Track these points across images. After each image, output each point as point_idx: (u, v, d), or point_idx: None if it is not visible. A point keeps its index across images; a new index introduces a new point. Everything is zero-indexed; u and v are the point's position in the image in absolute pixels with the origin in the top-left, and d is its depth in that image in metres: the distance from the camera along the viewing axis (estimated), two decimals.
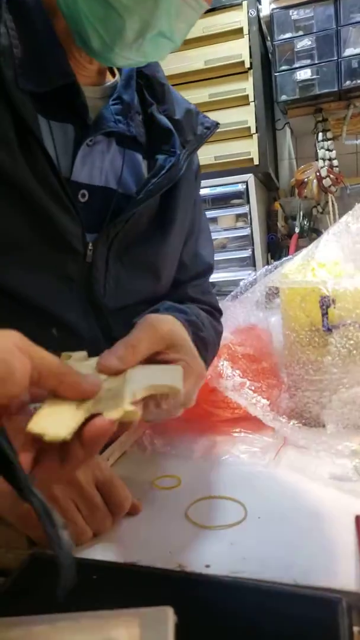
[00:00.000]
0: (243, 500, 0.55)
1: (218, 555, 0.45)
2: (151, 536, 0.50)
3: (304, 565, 0.42)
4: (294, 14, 1.83)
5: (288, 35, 1.86)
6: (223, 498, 0.57)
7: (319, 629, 0.34)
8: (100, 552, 0.47)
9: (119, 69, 0.63)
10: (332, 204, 2.00)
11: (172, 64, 1.97)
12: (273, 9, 1.89)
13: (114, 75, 0.65)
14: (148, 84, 0.64)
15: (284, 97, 1.93)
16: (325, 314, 0.75)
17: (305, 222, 2.19)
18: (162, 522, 0.53)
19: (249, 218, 1.90)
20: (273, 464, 0.66)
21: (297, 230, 2.17)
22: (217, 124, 0.68)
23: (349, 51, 1.80)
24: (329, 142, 1.98)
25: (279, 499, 0.55)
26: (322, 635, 0.34)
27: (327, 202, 2.02)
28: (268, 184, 2.25)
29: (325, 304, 0.74)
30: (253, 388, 0.77)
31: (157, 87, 0.65)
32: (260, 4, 1.94)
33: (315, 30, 1.82)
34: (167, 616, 0.30)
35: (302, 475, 0.62)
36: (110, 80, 0.63)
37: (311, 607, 0.36)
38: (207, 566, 0.43)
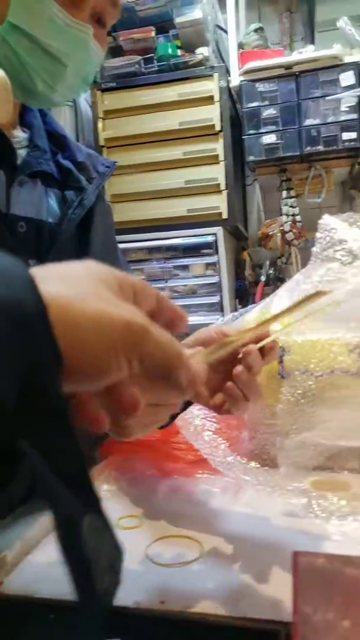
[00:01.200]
0: (200, 539, 0.57)
1: (173, 592, 0.47)
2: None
3: (252, 599, 0.44)
4: (260, 87, 1.97)
5: (255, 104, 2.00)
6: (181, 537, 0.59)
7: None
8: (58, 590, 0.48)
9: (27, 125, 0.72)
10: (295, 255, 2.11)
11: (150, 124, 2.08)
12: (242, 81, 2.04)
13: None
14: (50, 136, 0.74)
15: (251, 158, 2.05)
16: (281, 362, 0.79)
17: (271, 271, 2.28)
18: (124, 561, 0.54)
19: (217, 267, 1.98)
20: (231, 504, 0.68)
21: (263, 278, 2.26)
22: (115, 162, 0.80)
23: (308, 121, 1.94)
24: (292, 199, 2.10)
25: (234, 537, 0.58)
26: None
27: (290, 253, 2.13)
28: (237, 234, 2.35)
29: (280, 353, 0.79)
30: (213, 429, 0.80)
31: (60, 138, 0.74)
32: (229, 75, 2.08)
33: (279, 101, 1.96)
34: None
35: (256, 514, 0.64)
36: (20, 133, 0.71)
37: (254, 637, 0.38)
38: (162, 602, 0.45)
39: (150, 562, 0.53)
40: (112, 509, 0.67)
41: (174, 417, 0.73)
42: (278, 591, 0.45)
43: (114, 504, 0.70)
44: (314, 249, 0.74)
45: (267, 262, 2.30)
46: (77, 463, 0.21)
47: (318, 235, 0.76)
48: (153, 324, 0.24)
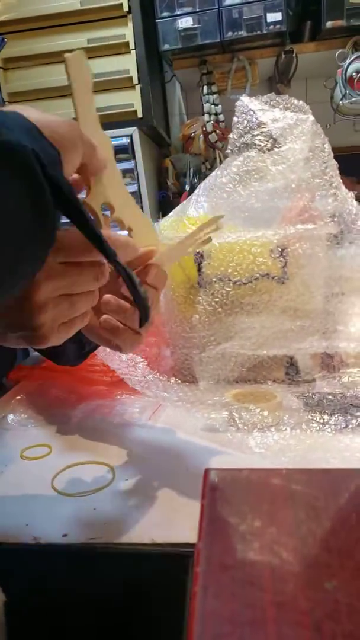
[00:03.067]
0: (113, 464, 0.55)
1: (77, 523, 0.44)
2: (10, 510, 0.47)
3: (164, 524, 0.42)
4: None
5: None
6: (92, 463, 0.55)
7: (169, 582, 0.34)
8: None
9: None
10: (220, 159, 2.01)
11: (45, 3, 1.82)
12: None
13: None
14: None
15: (166, 46, 1.87)
16: (199, 270, 0.75)
17: (196, 180, 2.19)
18: (25, 494, 0.50)
19: (135, 174, 1.85)
20: (149, 424, 0.66)
21: (187, 188, 2.16)
22: (3, 39, 0.76)
23: (229, 1, 1.77)
24: (215, 96, 1.97)
25: (149, 460, 0.55)
26: (175, 587, 0.34)
27: (215, 158, 2.03)
28: (157, 139, 2.20)
29: (198, 260, 0.74)
30: None
31: None
32: None
33: None
34: None
35: (175, 433, 0.62)
36: None
37: (163, 564, 0.36)
38: (64, 535, 0.42)
39: (55, 493, 0.50)
40: (19, 439, 0.63)
41: (87, 352, 0.68)
42: (194, 513, 0.43)
43: (22, 433, 0.66)
44: (231, 136, 0.67)
45: (191, 170, 2.19)
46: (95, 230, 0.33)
47: (235, 120, 0.68)
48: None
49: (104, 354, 0.73)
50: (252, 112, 0.64)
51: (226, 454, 0.56)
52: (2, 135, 0.27)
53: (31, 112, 0.32)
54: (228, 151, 0.67)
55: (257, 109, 0.66)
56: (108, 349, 0.77)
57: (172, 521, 0.43)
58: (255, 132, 0.63)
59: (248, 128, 0.64)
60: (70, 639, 0.30)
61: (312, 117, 0.62)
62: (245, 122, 0.64)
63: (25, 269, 0.30)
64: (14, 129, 0.29)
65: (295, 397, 0.68)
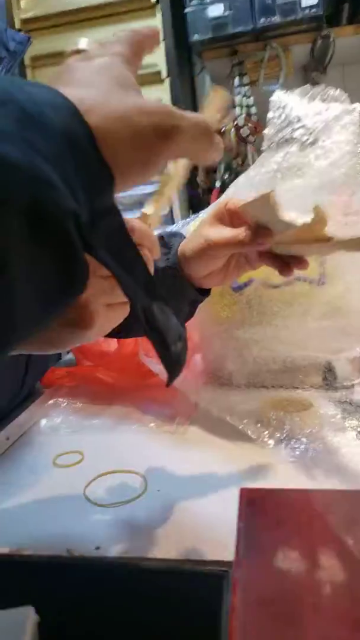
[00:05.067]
0: (146, 473, 0.55)
1: (111, 535, 0.44)
2: (44, 520, 0.48)
3: (197, 540, 0.42)
4: None
5: None
6: (124, 472, 0.56)
7: (203, 603, 0.34)
8: None
9: None
10: (252, 155, 1.99)
11: None
12: None
13: None
14: None
15: (196, 37, 1.86)
16: None
17: (227, 176, 2.17)
18: (58, 503, 0.51)
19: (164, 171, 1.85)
20: (182, 431, 0.66)
21: (217, 184, 2.15)
22: (29, 38, 0.70)
23: None
24: (246, 87, 1.95)
25: (182, 469, 0.55)
26: (206, 608, 0.34)
27: (246, 154, 2.01)
28: None
29: None
30: None
31: None
32: None
33: None
34: (26, 618, 0.29)
35: (209, 440, 0.62)
36: None
37: (197, 582, 0.36)
38: (97, 548, 0.42)
39: (88, 502, 0.50)
40: (51, 445, 0.64)
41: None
42: (226, 529, 0.43)
43: (55, 439, 0.67)
44: (267, 131, 0.65)
45: (222, 166, 2.18)
46: (141, 265, 0.27)
47: (270, 115, 0.67)
48: (181, 116, 0.26)
49: (143, 356, 0.73)
50: (289, 106, 0.63)
51: (259, 464, 0.55)
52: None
53: (91, 92, 0.25)
54: (264, 147, 0.66)
55: (293, 103, 0.65)
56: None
57: (206, 537, 0.43)
58: (296, 126, 0.61)
59: (286, 122, 0.62)
60: None
61: (359, 107, 0.60)
62: (283, 116, 0.63)
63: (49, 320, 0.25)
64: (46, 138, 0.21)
65: (332, 404, 0.67)
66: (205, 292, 0.61)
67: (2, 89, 0.22)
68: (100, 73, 0.27)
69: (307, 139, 0.64)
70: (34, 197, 0.20)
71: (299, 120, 0.66)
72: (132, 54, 0.30)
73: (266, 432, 0.60)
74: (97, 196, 0.24)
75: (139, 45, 0.31)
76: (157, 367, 0.73)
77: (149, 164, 0.26)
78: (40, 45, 1.88)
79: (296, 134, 0.61)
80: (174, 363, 0.30)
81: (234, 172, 2.15)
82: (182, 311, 0.60)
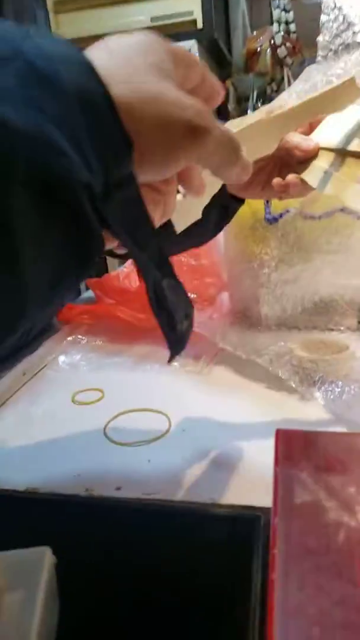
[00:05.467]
0: (169, 412, 0.52)
1: (132, 476, 0.42)
2: (62, 458, 0.46)
3: (224, 482, 0.40)
4: None
5: None
6: (147, 411, 0.53)
7: (235, 548, 0.32)
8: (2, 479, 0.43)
9: None
10: (289, 79, 1.85)
11: None
12: None
13: None
14: None
15: None
16: (266, 202, 0.68)
17: (259, 104, 2.03)
18: (77, 442, 0.49)
19: None
20: (206, 372, 0.63)
21: (249, 112, 2.02)
22: None
23: None
24: (286, 0, 1.78)
25: (208, 410, 0.52)
26: (239, 553, 0.32)
27: (283, 77, 1.86)
28: (218, 56, 2.04)
29: None
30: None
31: None
32: None
33: None
34: (43, 558, 0.27)
35: (236, 382, 0.59)
36: None
37: (227, 526, 0.34)
38: (118, 489, 0.40)
39: (109, 441, 0.48)
40: (70, 382, 0.62)
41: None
42: (254, 474, 0.40)
43: (73, 376, 0.65)
44: (320, 39, 0.58)
45: (255, 92, 2.04)
46: (153, 240, 0.25)
47: (323, 18, 0.59)
48: (213, 122, 0.25)
49: None
50: (346, 5, 0.55)
51: (290, 410, 0.52)
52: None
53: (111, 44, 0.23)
54: (319, 58, 0.58)
55: (351, 2, 0.56)
56: None
57: (234, 481, 0.40)
58: (357, 29, 0.53)
59: (346, 25, 0.54)
60: (120, 601, 0.29)
61: None
62: (341, 18, 0.54)
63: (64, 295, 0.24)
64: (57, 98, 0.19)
65: None
66: (240, 200, 0.55)
67: (10, 42, 0.20)
68: (138, 51, 0.24)
69: None
70: (40, 166, 0.18)
71: (353, 25, 0.57)
72: (185, 71, 0.26)
73: (298, 375, 0.56)
74: (113, 164, 0.21)
75: (196, 74, 0.28)
76: None
77: (170, 157, 0.24)
78: (69, 27, 1.73)
79: (358, 38, 0.53)
80: (177, 342, 0.29)
81: (268, 100, 2.01)
82: (209, 216, 0.55)
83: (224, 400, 0.55)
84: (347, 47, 0.53)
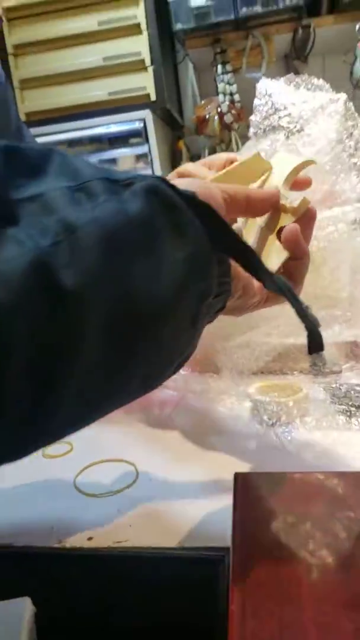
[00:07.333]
0: (136, 462, 0.54)
1: (103, 525, 0.43)
2: (34, 512, 0.47)
3: (191, 526, 0.41)
4: None
5: None
6: (114, 461, 0.55)
7: (201, 588, 0.33)
8: None
9: None
10: (236, 141, 1.97)
11: None
12: None
13: None
14: None
15: (179, 26, 1.82)
16: None
17: None
18: (47, 494, 0.50)
19: (149, 158, 1.82)
20: (170, 419, 0.65)
21: None
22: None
23: None
24: (229, 75, 1.92)
25: (172, 457, 0.54)
26: (204, 592, 0.33)
27: (230, 139, 1.99)
28: (170, 122, 2.17)
29: None
30: None
31: None
32: None
33: None
34: (23, 608, 0.28)
35: (198, 428, 0.61)
36: None
37: (193, 568, 0.35)
38: (90, 539, 0.41)
39: (79, 492, 0.49)
40: None
41: None
42: (221, 516, 0.42)
43: None
44: (253, 118, 0.64)
45: (206, 151, 2.16)
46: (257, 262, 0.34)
47: (257, 102, 0.66)
48: None
49: None
50: (275, 94, 0.62)
51: (251, 452, 0.54)
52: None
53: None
54: (250, 134, 0.64)
55: (280, 91, 0.63)
56: None
57: (200, 524, 0.42)
58: (282, 114, 0.59)
59: (273, 110, 0.61)
60: None
61: (345, 96, 0.59)
62: (270, 103, 0.61)
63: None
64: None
65: (321, 389, 0.67)
66: None
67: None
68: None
69: (294, 127, 0.63)
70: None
71: (285, 108, 0.64)
72: (233, 208, 0.36)
73: (256, 415, 0.59)
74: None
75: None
76: None
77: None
78: (23, 33, 1.83)
79: (283, 122, 0.59)
80: (320, 344, 0.36)
81: None
82: None
83: (187, 447, 0.57)
84: (274, 128, 0.60)
